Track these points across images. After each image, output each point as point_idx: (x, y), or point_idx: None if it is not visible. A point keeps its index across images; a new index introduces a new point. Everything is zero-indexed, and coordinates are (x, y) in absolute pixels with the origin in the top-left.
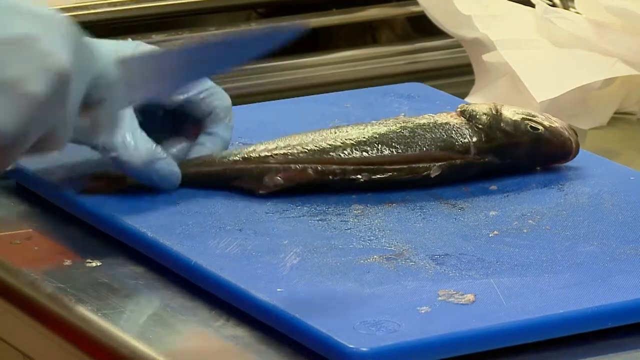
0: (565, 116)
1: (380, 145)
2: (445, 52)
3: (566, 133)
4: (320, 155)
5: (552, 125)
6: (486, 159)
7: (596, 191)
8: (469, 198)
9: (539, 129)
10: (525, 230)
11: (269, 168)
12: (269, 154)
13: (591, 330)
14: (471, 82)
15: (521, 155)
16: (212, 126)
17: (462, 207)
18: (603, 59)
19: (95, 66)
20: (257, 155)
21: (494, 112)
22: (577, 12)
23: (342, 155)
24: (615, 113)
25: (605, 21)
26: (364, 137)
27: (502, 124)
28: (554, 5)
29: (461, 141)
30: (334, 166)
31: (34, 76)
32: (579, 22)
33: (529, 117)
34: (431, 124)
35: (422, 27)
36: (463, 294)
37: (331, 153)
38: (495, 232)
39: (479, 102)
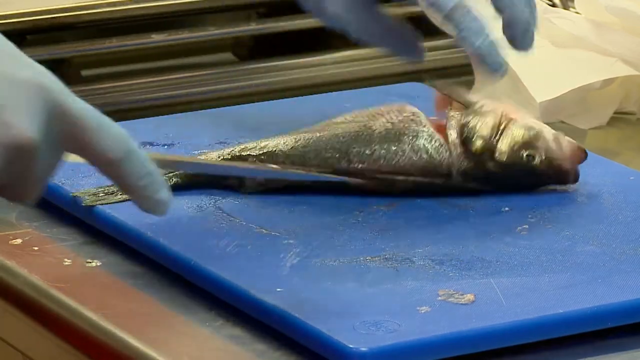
0: (565, 116)
1: (355, 157)
2: (445, 52)
3: (567, 164)
4: (296, 158)
5: (554, 157)
6: (470, 185)
7: (596, 191)
8: (468, 198)
9: (536, 163)
10: (525, 231)
11: None
12: (247, 153)
13: (591, 330)
14: (471, 82)
15: (512, 184)
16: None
17: (461, 207)
18: (603, 59)
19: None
20: (237, 155)
21: (493, 135)
22: (577, 12)
23: (315, 162)
24: (615, 113)
25: (605, 21)
26: (337, 145)
27: (497, 154)
28: (553, 5)
29: (443, 170)
30: (311, 168)
31: None
32: (579, 22)
33: (530, 146)
34: (414, 137)
35: (422, 27)
36: (463, 294)
37: (307, 156)
38: (495, 232)
39: None
